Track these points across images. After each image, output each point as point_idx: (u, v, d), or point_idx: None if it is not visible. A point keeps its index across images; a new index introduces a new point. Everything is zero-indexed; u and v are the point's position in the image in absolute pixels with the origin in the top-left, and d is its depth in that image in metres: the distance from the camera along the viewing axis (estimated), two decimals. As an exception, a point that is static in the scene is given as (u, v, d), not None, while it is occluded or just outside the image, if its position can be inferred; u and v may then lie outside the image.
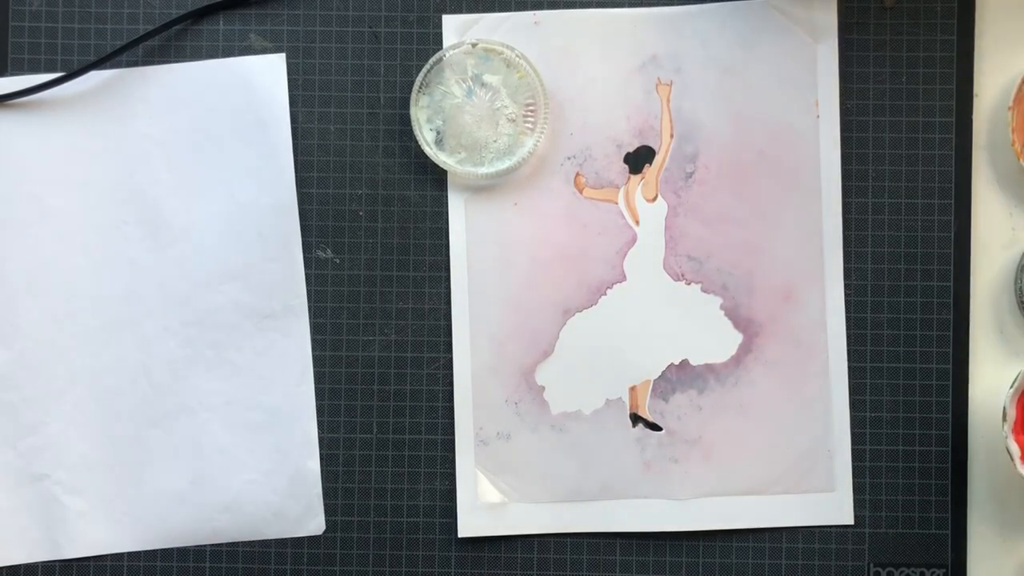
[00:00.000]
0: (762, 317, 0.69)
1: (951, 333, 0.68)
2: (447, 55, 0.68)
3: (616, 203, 0.69)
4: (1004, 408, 0.64)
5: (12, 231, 0.70)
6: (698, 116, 0.69)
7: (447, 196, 0.70)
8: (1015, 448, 0.64)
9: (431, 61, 0.68)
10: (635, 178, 0.69)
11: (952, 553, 0.68)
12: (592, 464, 0.69)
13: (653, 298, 0.69)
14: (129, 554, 0.70)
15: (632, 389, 0.69)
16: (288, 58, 0.70)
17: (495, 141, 0.69)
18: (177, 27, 0.70)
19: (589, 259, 0.69)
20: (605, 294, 0.69)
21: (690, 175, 0.69)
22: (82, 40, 0.70)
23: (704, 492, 0.69)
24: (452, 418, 0.69)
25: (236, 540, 0.70)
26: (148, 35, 0.69)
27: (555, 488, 0.69)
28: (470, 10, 0.69)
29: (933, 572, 0.68)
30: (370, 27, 0.70)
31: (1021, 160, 0.67)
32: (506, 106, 0.68)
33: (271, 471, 0.69)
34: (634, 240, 0.69)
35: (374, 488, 0.70)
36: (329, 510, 0.70)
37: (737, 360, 0.69)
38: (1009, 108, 0.67)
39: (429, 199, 0.70)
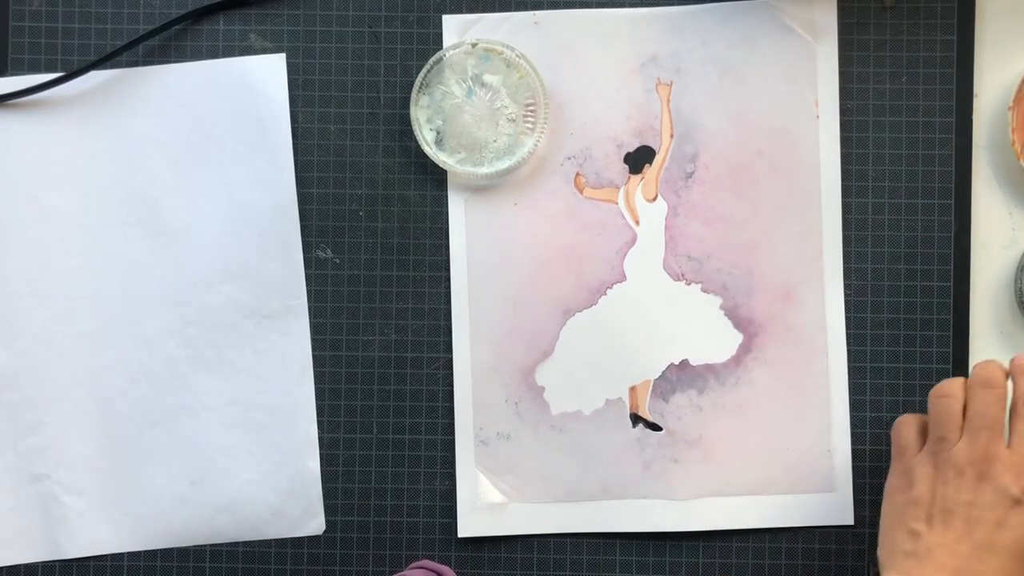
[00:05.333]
0: (762, 317, 0.69)
1: (951, 333, 0.68)
2: (447, 55, 0.68)
3: (616, 203, 0.69)
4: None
5: (12, 231, 0.70)
6: (698, 116, 0.69)
7: (447, 196, 0.70)
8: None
9: (431, 61, 0.68)
10: (635, 178, 0.69)
11: (952, 553, 0.68)
12: (592, 464, 0.69)
13: (653, 298, 0.69)
14: (129, 554, 0.70)
15: (632, 389, 0.69)
16: (288, 58, 0.70)
17: (495, 141, 0.69)
18: (177, 27, 0.70)
19: (589, 259, 0.69)
20: (605, 294, 0.69)
21: (690, 175, 0.69)
22: (82, 40, 0.70)
23: (704, 492, 0.69)
24: (452, 418, 0.69)
25: (236, 540, 0.70)
26: (148, 35, 0.69)
27: (555, 488, 0.69)
28: (470, 10, 0.69)
29: (933, 572, 0.68)
30: (370, 27, 0.70)
31: (1021, 160, 0.67)
32: (506, 106, 0.68)
33: (271, 471, 0.69)
34: (634, 240, 0.69)
35: (374, 488, 0.70)
36: (329, 510, 0.70)
37: (737, 360, 0.69)
38: (1009, 108, 0.67)
39: (429, 199, 0.70)
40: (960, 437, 0.59)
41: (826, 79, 0.69)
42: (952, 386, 0.61)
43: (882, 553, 0.60)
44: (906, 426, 0.62)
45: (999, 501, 0.57)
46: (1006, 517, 0.57)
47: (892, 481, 0.62)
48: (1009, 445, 0.59)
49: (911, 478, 0.60)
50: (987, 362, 0.61)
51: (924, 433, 0.62)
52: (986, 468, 0.58)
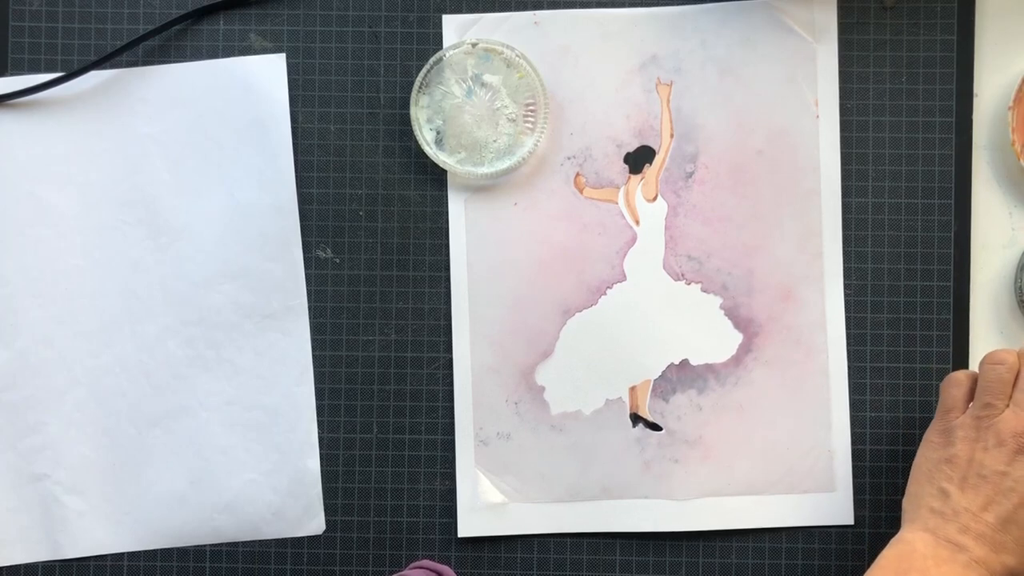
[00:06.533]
0: (762, 317, 0.69)
1: (951, 333, 0.68)
2: (447, 55, 0.68)
3: (616, 203, 0.69)
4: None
5: (12, 231, 0.70)
6: (698, 116, 0.69)
7: (447, 196, 0.70)
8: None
9: (431, 61, 0.68)
10: (635, 178, 0.69)
11: (952, 553, 0.68)
12: (592, 464, 0.69)
13: (653, 298, 0.69)
14: (129, 554, 0.70)
15: (632, 389, 0.69)
16: (288, 58, 0.70)
17: (495, 141, 0.69)
18: (177, 27, 0.70)
19: (589, 259, 0.69)
20: (605, 294, 0.69)
21: (690, 175, 0.69)
22: (82, 40, 0.70)
23: (704, 492, 0.69)
24: (452, 418, 0.69)
25: (236, 540, 0.70)
26: (148, 35, 0.69)
27: (555, 488, 0.69)
28: (470, 10, 0.69)
29: (933, 572, 0.68)
30: (370, 27, 0.70)
31: (1021, 160, 0.67)
32: (506, 106, 0.68)
33: (271, 471, 0.69)
34: (634, 240, 0.69)
35: (374, 488, 0.70)
36: (329, 510, 0.70)
37: (737, 360, 0.69)
38: (1009, 108, 0.67)
39: (429, 199, 0.70)
40: (1007, 406, 0.59)
41: (826, 79, 0.69)
42: (1007, 355, 0.61)
43: (907, 504, 0.61)
44: (955, 385, 0.62)
45: None
46: None
47: (931, 436, 0.62)
48: None
49: (951, 437, 0.60)
50: None
51: (971, 395, 0.62)
52: None
